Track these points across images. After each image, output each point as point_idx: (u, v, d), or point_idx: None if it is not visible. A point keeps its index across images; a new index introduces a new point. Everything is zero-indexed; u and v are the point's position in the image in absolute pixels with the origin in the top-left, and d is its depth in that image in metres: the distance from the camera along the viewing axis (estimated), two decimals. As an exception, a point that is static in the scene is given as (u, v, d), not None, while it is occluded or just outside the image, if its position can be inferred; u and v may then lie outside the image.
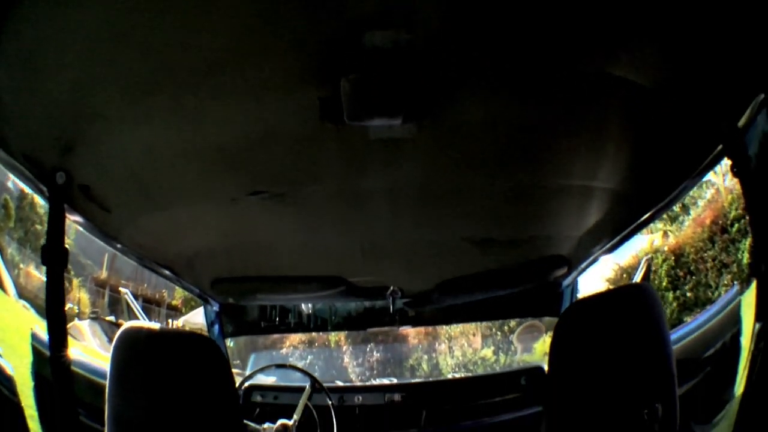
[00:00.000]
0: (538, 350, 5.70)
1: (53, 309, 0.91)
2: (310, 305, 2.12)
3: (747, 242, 6.43)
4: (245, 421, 1.78)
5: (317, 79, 0.78)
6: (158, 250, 1.40)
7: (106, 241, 1.23)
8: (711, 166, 1.02)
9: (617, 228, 1.40)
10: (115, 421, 0.77)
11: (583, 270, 1.79)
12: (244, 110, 0.86)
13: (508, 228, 1.40)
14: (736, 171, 0.87)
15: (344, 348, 9.16)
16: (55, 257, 0.91)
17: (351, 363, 8.89)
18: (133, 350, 0.76)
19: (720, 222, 6.98)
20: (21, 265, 12.39)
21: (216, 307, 2.01)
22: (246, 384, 1.95)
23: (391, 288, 1.80)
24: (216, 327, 2.05)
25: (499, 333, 9.08)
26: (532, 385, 1.94)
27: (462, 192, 1.14)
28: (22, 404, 1.26)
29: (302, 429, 1.76)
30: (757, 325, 0.81)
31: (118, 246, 1.29)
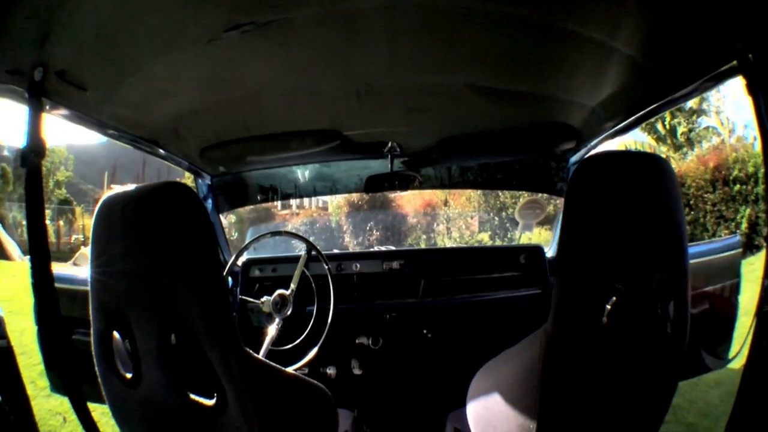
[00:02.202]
0: (535, 239, 5.74)
1: (33, 212, 0.89)
2: (306, 172, 1.95)
3: (747, 211, 6.46)
4: (243, 297, 1.72)
5: None
6: (142, 123, 1.31)
7: (89, 126, 1.17)
8: (726, 75, 0.97)
9: (629, 107, 1.30)
10: (97, 305, 0.74)
11: (592, 147, 1.68)
12: None
13: (517, 79, 1.24)
14: (749, 90, 0.82)
15: (344, 227, 9.43)
16: (34, 157, 0.88)
17: (351, 242, 9.23)
18: (108, 216, 0.72)
19: (723, 171, 6.95)
20: (24, 222, 12.56)
21: (208, 180, 1.90)
22: (244, 258, 1.84)
23: (390, 144, 1.67)
24: (210, 201, 1.92)
25: (496, 219, 9.27)
26: (530, 264, 1.87)
27: (467, 19, 0.98)
28: (16, 350, 1.28)
29: (300, 298, 1.70)
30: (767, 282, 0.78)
31: (106, 131, 1.24)
